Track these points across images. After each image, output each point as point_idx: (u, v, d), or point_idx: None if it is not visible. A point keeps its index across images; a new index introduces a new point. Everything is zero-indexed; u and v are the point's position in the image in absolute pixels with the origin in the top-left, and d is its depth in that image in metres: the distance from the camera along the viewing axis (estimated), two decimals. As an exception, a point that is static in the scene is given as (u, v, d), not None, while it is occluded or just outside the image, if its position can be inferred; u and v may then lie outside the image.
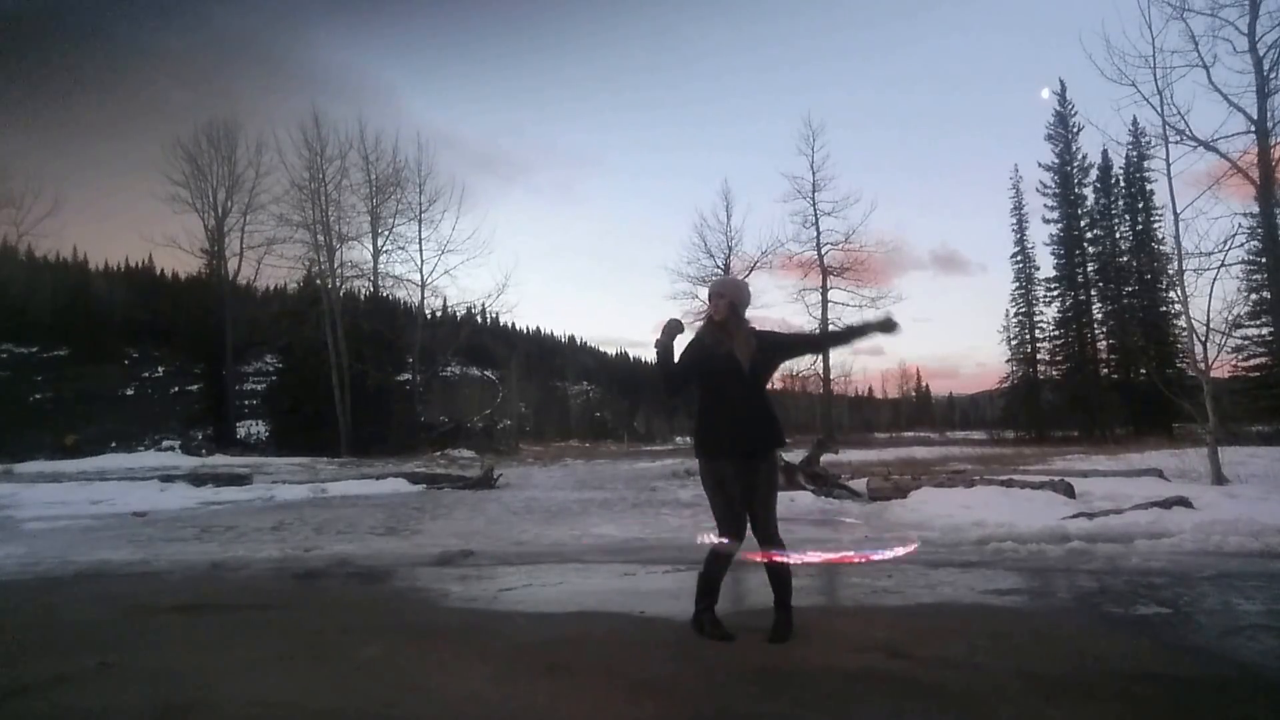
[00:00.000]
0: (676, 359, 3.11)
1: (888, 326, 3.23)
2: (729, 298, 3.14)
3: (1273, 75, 13.06)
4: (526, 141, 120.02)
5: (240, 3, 64.97)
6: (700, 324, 3.30)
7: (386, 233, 30.96)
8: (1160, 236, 31.59)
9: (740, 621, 3.22)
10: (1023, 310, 37.05)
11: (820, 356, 32.31)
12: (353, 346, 28.06)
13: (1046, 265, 36.56)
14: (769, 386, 3.34)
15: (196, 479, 12.61)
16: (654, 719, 2.30)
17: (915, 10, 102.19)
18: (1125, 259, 33.79)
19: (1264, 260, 18.78)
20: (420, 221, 31.23)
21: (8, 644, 3.34)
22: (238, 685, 2.65)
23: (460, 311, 34.69)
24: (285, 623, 3.62)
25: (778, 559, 3.05)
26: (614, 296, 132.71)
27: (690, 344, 3.19)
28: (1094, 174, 34.49)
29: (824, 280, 32.64)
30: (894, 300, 32.23)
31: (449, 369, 42.92)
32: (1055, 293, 35.87)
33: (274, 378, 35.12)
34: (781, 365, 3.27)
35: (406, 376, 31.78)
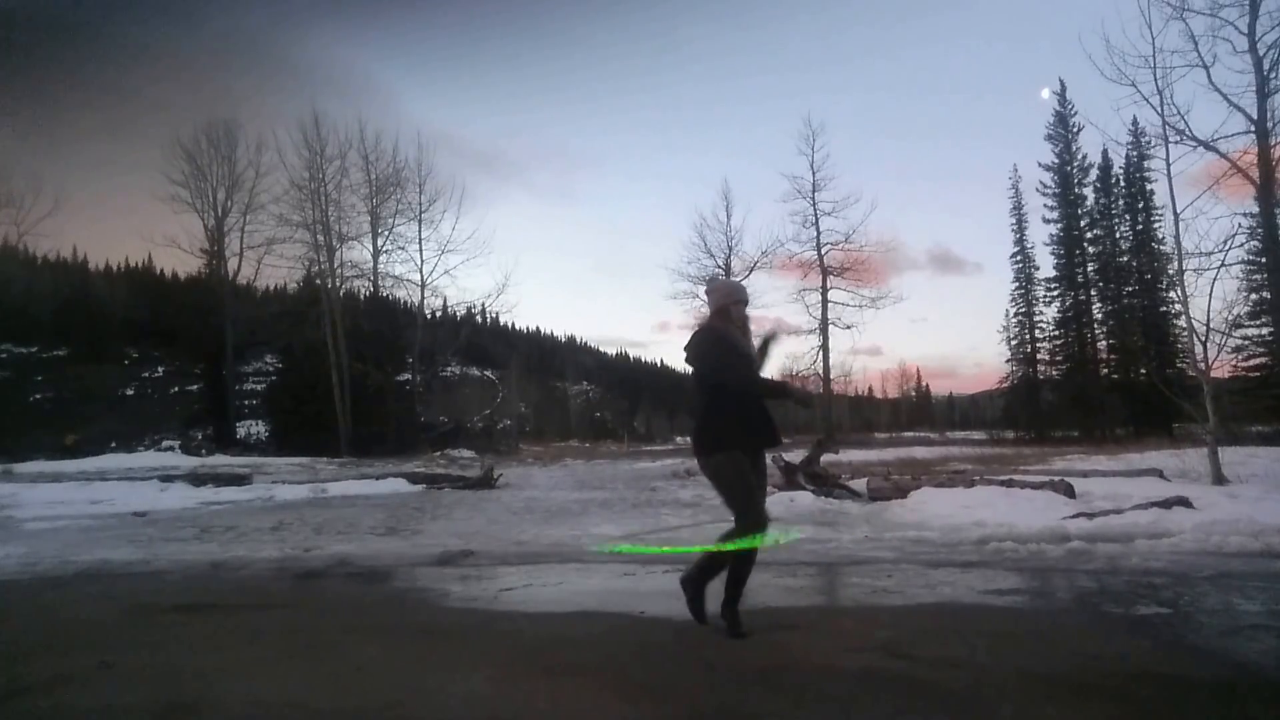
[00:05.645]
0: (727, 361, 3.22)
1: (804, 400, 3.93)
2: (734, 299, 3.36)
3: (1273, 75, 13.06)
4: (526, 141, 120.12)
5: (240, 3, 64.96)
6: (707, 321, 3.40)
7: (386, 233, 31.02)
8: (1160, 236, 31.65)
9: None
10: (1022, 310, 37.12)
11: (820, 356, 32.53)
12: (353, 346, 28.07)
13: (1046, 265, 36.74)
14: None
15: (196, 479, 12.61)
16: (654, 719, 2.30)
17: (915, 10, 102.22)
18: (1125, 259, 33.76)
19: (1264, 260, 18.74)
20: (420, 221, 31.33)
21: (8, 644, 3.34)
22: (238, 685, 2.65)
23: (460, 311, 34.80)
24: (285, 623, 3.62)
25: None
26: (614, 296, 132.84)
27: (724, 343, 3.23)
28: (1094, 174, 34.53)
29: (824, 280, 32.69)
30: (893, 300, 32.28)
31: (449, 369, 42.94)
32: (1055, 293, 35.90)
33: (274, 378, 35.15)
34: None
35: (406, 376, 31.79)
